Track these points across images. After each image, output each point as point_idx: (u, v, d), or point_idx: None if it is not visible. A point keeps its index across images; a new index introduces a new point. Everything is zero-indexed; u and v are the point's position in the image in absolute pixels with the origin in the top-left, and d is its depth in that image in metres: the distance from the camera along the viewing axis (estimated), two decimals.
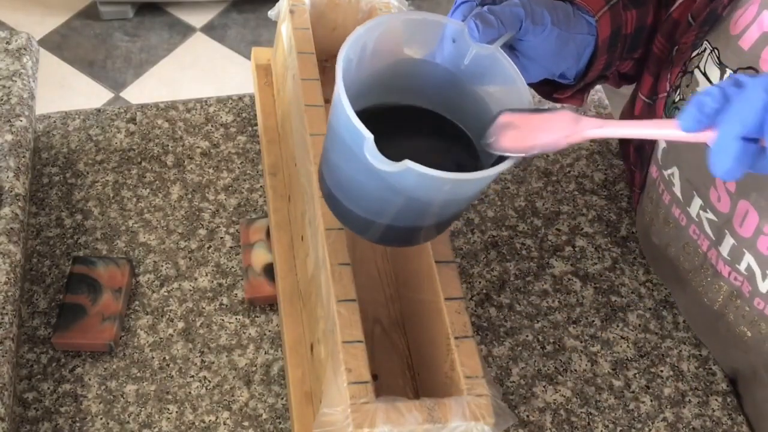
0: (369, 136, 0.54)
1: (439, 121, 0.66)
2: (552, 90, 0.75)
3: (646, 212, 0.82)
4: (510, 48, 0.63)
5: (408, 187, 0.57)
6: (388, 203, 0.60)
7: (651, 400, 0.78)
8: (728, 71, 0.64)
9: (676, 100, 0.70)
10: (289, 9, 0.81)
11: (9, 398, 0.70)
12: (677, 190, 0.74)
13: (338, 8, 0.84)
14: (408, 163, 0.54)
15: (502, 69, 0.61)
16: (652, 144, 0.79)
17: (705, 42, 0.67)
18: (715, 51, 0.65)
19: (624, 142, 0.93)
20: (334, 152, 0.61)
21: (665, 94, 0.73)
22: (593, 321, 0.83)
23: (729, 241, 0.69)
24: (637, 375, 0.80)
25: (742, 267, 0.68)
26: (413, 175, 0.54)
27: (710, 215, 0.70)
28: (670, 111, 0.72)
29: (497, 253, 0.87)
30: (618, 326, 0.83)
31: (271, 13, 0.84)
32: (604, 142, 0.97)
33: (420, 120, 0.66)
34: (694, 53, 0.68)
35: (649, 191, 0.80)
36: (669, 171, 0.74)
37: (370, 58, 0.61)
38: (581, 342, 0.81)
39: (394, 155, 0.54)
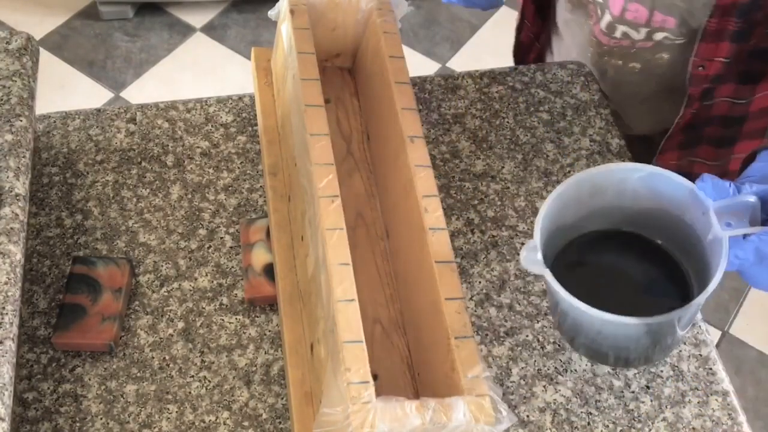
0: (547, 271, 0.67)
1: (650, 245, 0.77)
2: None
3: None
4: None
5: (575, 312, 0.68)
6: (581, 327, 0.72)
7: (651, 400, 0.78)
8: None
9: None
10: (289, 9, 0.81)
11: (9, 398, 0.70)
12: None
13: (338, 8, 0.84)
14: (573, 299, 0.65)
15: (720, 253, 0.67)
16: None
17: None
18: None
19: None
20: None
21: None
22: None
23: None
24: (637, 375, 0.79)
25: None
26: (568, 305, 0.66)
27: None
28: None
29: (497, 253, 0.87)
30: None
31: (271, 13, 0.84)
32: (603, 142, 0.97)
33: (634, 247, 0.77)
34: None
35: None
36: None
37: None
38: None
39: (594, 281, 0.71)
